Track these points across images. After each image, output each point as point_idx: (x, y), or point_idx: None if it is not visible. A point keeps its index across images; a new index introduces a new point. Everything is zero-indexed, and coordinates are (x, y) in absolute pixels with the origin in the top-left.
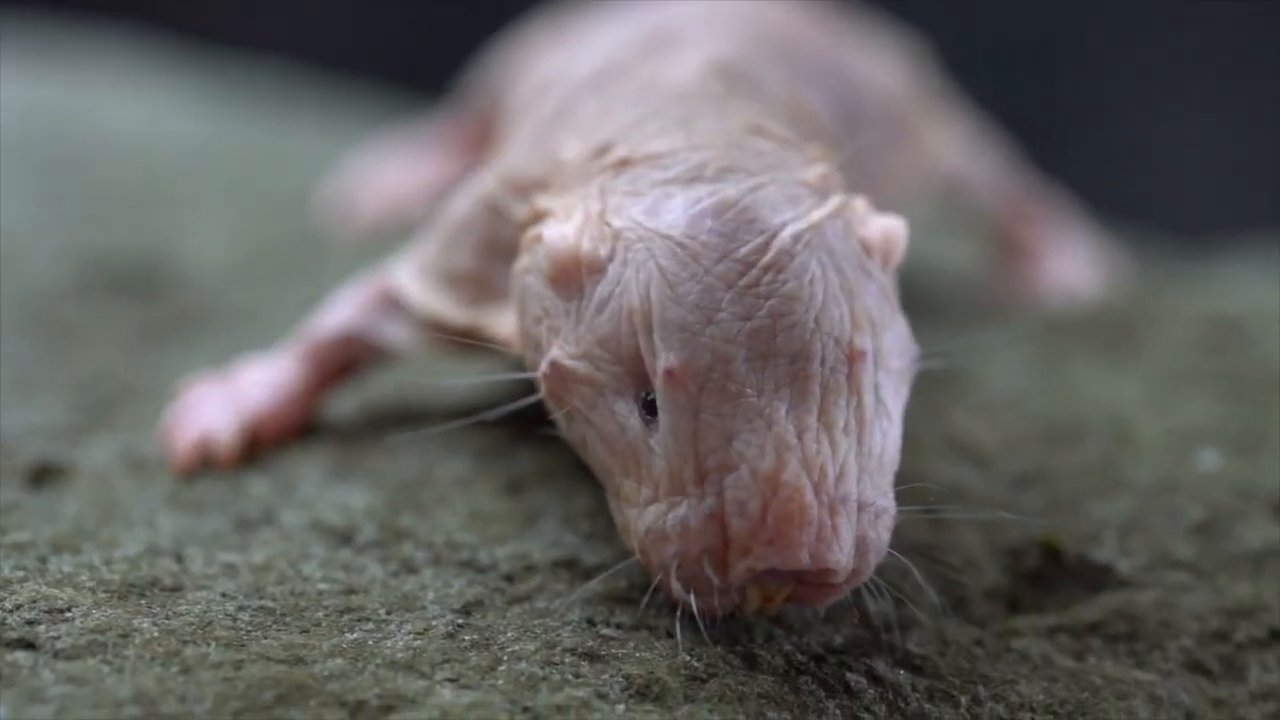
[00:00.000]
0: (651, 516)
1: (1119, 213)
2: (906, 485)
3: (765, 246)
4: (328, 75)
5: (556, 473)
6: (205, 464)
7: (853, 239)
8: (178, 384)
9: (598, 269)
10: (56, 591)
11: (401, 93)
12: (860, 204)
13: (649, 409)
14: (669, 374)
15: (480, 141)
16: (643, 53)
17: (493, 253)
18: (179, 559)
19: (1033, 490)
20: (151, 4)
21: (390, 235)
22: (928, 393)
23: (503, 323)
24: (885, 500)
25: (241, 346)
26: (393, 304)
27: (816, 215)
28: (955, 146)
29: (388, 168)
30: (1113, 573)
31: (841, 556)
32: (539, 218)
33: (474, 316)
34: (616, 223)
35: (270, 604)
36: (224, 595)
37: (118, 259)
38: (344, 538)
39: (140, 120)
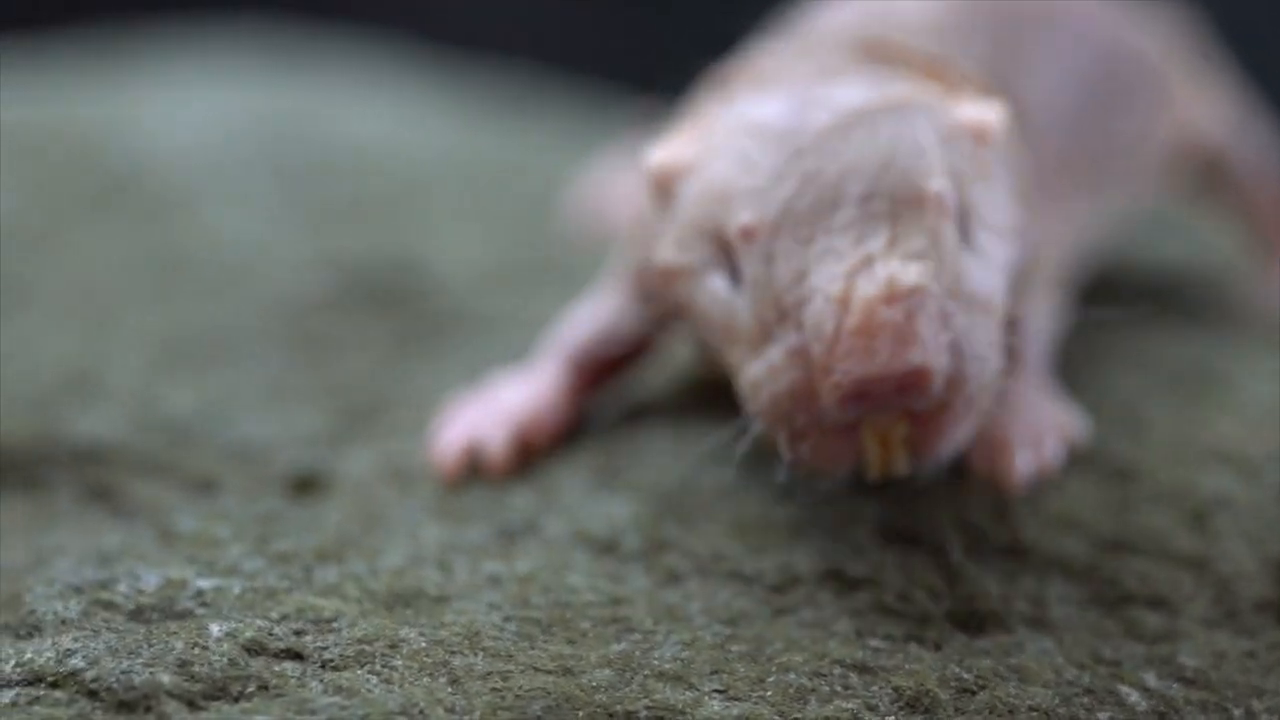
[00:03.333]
0: (750, 373)
1: None
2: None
3: (836, 119)
4: (574, 80)
5: (819, 481)
6: (474, 474)
7: (940, 114)
8: (437, 396)
9: (686, 170)
10: (323, 601)
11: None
12: (964, 97)
13: (736, 276)
14: (742, 231)
15: None
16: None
17: None
18: (443, 569)
19: None
20: (394, 7)
21: None
22: (1186, 399)
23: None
24: (970, 319)
25: (494, 355)
26: (642, 295)
27: (895, 92)
28: (1219, 120)
29: (632, 173)
30: None
31: (926, 354)
32: None
33: None
34: (706, 126)
35: (536, 614)
36: (490, 606)
37: (366, 267)
38: (607, 547)
39: (383, 126)
